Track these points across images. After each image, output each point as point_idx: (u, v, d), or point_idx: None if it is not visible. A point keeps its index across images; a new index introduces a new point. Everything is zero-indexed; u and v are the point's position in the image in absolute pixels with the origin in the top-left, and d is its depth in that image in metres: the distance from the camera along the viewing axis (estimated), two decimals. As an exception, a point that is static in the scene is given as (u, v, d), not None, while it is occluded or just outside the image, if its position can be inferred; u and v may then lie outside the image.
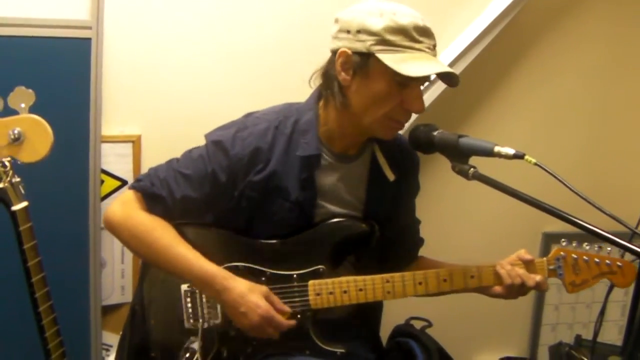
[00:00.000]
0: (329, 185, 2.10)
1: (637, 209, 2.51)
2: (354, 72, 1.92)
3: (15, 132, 1.63)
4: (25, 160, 1.66)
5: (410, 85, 1.89)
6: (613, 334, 3.68)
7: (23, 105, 1.65)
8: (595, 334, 2.65)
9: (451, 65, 2.97)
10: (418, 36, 1.86)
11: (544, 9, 3.29)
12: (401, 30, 1.84)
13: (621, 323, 3.68)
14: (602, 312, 2.56)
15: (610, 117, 3.56)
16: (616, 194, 3.28)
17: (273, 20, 2.90)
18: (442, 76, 1.96)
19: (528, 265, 2.12)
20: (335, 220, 2.10)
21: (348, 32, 1.92)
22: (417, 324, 2.85)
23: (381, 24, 1.85)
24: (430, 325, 2.78)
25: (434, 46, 1.92)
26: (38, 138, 1.65)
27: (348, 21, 1.92)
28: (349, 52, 1.91)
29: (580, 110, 3.51)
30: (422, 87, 1.97)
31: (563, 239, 2.16)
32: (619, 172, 3.58)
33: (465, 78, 2.96)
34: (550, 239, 3.54)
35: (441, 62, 1.91)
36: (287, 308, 1.99)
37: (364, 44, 1.87)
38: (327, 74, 2.02)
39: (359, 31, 1.89)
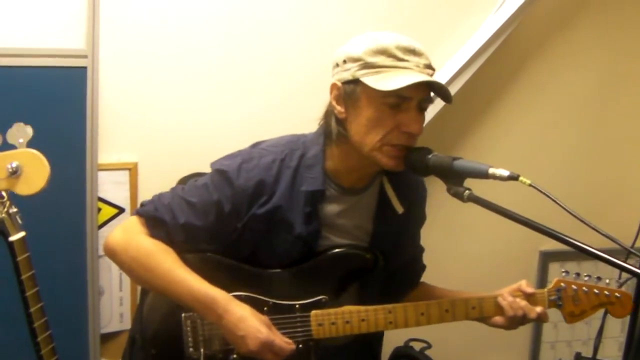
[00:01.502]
0: (335, 217, 2.09)
1: (633, 226, 2.53)
2: (346, 102, 1.94)
3: (13, 165, 1.63)
4: (23, 193, 1.66)
5: (404, 107, 1.88)
6: (613, 350, 3.68)
7: (21, 140, 1.66)
8: (595, 351, 2.65)
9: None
10: (402, 55, 1.86)
11: (537, 29, 3.32)
12: (382, 51, 1.86)
13: (621, 339, 3.69)
14: (601, 329, 2.57)
15: (605, 136, 3.57)
16: (612, 211, 3.30)
17: (272, 49, 2.92)
18: (438, 92, 1.96)
19: (529, 297, 2.13)
20: (339, 250, 2.10)
21: (337, 65, 1.96)
22: (417, 346, 2.85)
23: (362, 48, 1.88)
24: (429, 346, 2.78)
25: (427, 65, 1.90)
26: (35, 171, 1.66)
27: (337, 55, 1.96)
28: (339, 84, 1.94)
29: (575, 129, 3.52)
30: (425, 109, 1.97)
31: (559, 261, 2.18)
32: (615, 189, 3.59)
33: (459, 100, 2.99)
34: (547, 258, 3.54)
35: (426, 75, 1.88)
36: (289, 341, 1.95)
37: (350, 71, 1.90)
38: (327, 111, 2.04)
39: (344, 61, 1.92)
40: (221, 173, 2.02)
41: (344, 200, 2.09)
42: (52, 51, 2.56)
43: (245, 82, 2.91)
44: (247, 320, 1.89)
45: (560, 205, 1.61)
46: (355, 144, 1.95)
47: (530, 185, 1.66)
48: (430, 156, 1.89)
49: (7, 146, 1.65)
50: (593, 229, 1.59)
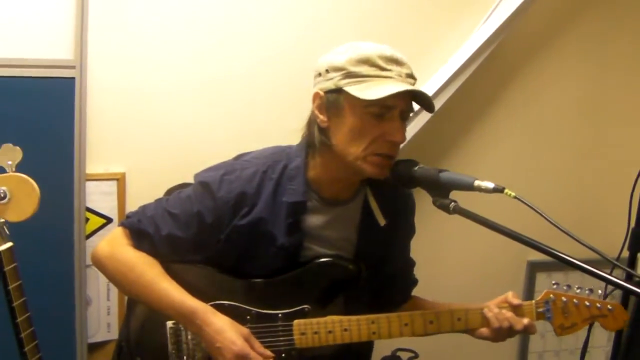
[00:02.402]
0: (319, 229, 2.10)
1: (620, 238, 2.54)
2: (329, 111, 1.95)
3: (2, 191, 1.63)
4: (12, 220, 1.66)
5: (387, 116, 1.89)
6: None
7: (10, 162, 1.66)
8: (582, 361, 2.66)
9: (432, 98, 2.98)
10: (384, 64, 1.87)
11: (526, 40, 3.33)
12: (365, 60, 1.87)
13: (607, 349, 3.69)
14: (587, 339, 2.58)
15: (592, 147, 3.58)
16: (600, 223, 3.31)
17: (262, 60, 2.92)
18: (420, 102, 1.97)
19: (516, 309, 2.11)
20: (322, 260, 2.10)
21: (320, 74, 1.97)
22: (404, 355, 2.85)
23: (344, 57, 1.90)
24: (416, 356, 2.78)
25: (409, 75, 1.92)
26: (25, 197, 1.66)
27: (319, 65, 1.98)
28: (321, 93, 1.95)
29: (561, 142, 3.53)
30: (408, 119, 1.99)
31: (554, 283, 2.17)
32: (602, 200, 3.60)
33: (446, 111, 3.02)
34: (535, 267, 3.55)
35: (408, 84, 1.90)
36: (268, 353, 1.96)
37: (332, 81, 1.91)
38: (309, 120, 2.05)
39: (327, 70, 1.94)
40: (204, 185, 2.04)
41: (328, 212, 2.10)
42: (40, 62, 2.57)
43: (234, 95, 2.91)
44: (224, 332, 1.90)
45: (545, 218, 1.62)
46: (339, 153, 1.96)
47: (515, 197, 1.67)
48: (416, 168, 1.91)
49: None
50: (577, 241, 1.59)
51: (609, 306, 2.12)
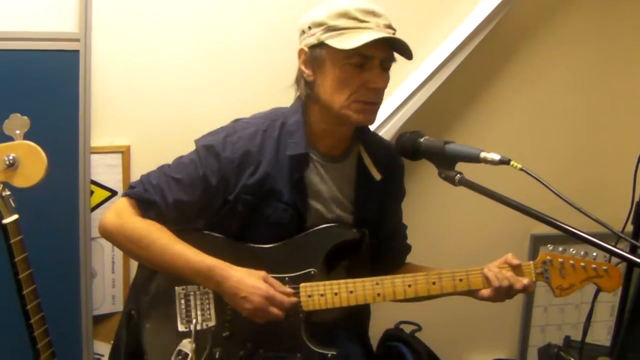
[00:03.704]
0: (319, 186, 2.15)
1: (624, 211, 2.54)
2: (313, 66, 2.04)
3: (10, 158, 1.64)
4: (19, 186, 1.67)
5: (367, 65, 1.97)
6: (602, 334, 3.70)
7: (18, 131, 1.67)
8: (584, 335, 2.67)
9: (436, 71, 2.98)
10: (362, 16, 1.95)
11: (530, 11, 3.32)
12: (343, 14, 1.96)
13: (610, 323, 3.70)
14: (591, 313, 2.59)
15: (597, 120, 3.58)
16: (604, 196, 3.31)
17: (268, 30, 2.92)
18: (399, 51, 2.02)
19: (515, 269, 2.13)
20: (326, 226, 2.15)
21: (303, 32, 2.06)
22: (407, 328, 2.87)
23: (324, 13, 1.99)
24: (419, 329, 2.80)
25: (387, 25, 1.98)
26: (32, 164, 1.67)
27: (302, 23, 2.07)
28: (306, 48, 2.04)
29: (567, 114, 3.53)
30: (388, 69, 2.04)
31: (549, 244, 2.18)
32: (606, 174, 3.60)
33: (451, 84, 3.01)
34: (538, 241, 3.56)
35: (386, 33, 1.95)
36: (288, 289, 2.01)
37: (315, 36, 2.00)
38: (297, 76, 2.14)
39: (309, 27, 2.03)
40: (208, 148, 2.08)
41: (325, 169, 2.15)
42: (45, 35, 2.56)
43: (238, 67, 2.91)
44: (245, 280, 1.95)
45: (550, 189, 1.62)
46: (325, 104, 2.04)
47: (521, 169, 1.66)
48: (422, 140, 1.91)
49: (3, 137, 1.65)
50: (583, 213, 1.59)
51: (604, 267, 2.14)
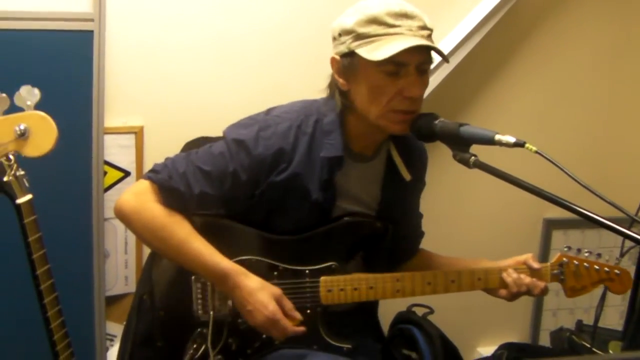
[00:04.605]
0: (346, 185, 2.11)
1: (638, 195, 2.53)
2: (346, 74, 1.96)
3: (22, 127, 1.64)
4: (30, 155, 1.67)
5: (402, 73, 1.89)
6: (614, 318, 3.69)
7: (29, 103, 1.67)
8: (596, 319, 2.67)
9: (450, 54, 2.96)
10: (393, 21, 1.86)
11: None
12: (373, 20, 1.87)
13: (622, 308, 3.68)
14: (603, 298, 2.58)
15: (613, 104, 3.56)
16: (618, 182, 3.29)
17: (282, 14, 2.91)
18: (434, 50, 1.95)
19: (534, 272, 2.15)
20: (350, 218, 2.12)
21: (334, 39, 1.98)
22: (419, 311, 2.86)
23: (353, 19, 1.90)
24: (432, 312, 2.79)
25: (421, 27, 1.89)
26: (43, 134, 1.67)
27: (333, 29, 1.99)
28: (337, 57, 1.97)
29: (584, 97, 3.51)
30: (426, 71, 1.97)
31: (566, 247, 2.20)
32: (621, 160, 3.59)
33: (466, 66, 2.99)
34: (551, 225, 3.56)
35: (419, 38, 1.87)
36: (298, 315, 1.98)
37: (345, 44, 1.92)
38: (330, 82, 2.08)
39: (339, 34, 1.95)
40: (239, 143, 2.00)
41: (354, 167, 2.11)
42: (59, 15, 2.56)
43: (252, 49, 2.90)
44: (256, 295, 1.92)
45: (566, 172, 1.61)
46: (362, 113, 1.97)
47: (536, 152, 1.66)
48: (436, 122, 1.90)
49: (15, 108, 1.66)
50: (598, 196, 1.59)
51: (616, 271, 2.18)
